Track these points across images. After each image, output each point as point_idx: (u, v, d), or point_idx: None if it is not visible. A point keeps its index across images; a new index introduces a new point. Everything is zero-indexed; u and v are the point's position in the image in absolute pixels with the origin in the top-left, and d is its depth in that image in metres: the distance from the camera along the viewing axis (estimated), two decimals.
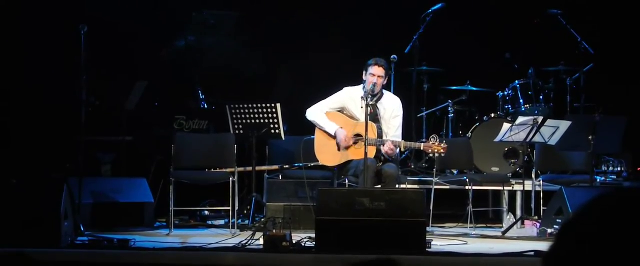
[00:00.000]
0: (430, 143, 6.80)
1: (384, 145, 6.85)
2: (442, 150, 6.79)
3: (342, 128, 7.10)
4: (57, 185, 6.15)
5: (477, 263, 5.82)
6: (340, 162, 7.14)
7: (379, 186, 6.84)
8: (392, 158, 7.05)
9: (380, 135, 6.99)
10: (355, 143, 7.06)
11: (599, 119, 7.34)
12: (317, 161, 7.40)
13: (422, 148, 6.95)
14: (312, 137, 7.28)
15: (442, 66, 9.11)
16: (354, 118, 7.14)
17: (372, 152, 6.83)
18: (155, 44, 8.85)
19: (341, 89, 7.26)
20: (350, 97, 7.19)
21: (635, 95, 8.86)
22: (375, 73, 7.03)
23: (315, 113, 7.22)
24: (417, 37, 8.54)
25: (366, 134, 6.54)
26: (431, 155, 7.08)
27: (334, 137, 7.13)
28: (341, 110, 7.24)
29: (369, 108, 6.75)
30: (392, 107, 7.17)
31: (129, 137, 8.10)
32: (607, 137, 7.35)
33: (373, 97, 6.93)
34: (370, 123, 6.68)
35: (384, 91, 7.20)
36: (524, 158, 7.85)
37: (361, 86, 7.16)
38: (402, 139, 7.09)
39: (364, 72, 7.11)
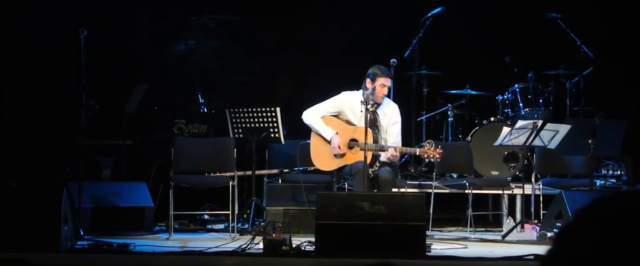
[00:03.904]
0: (426, 148, 6.82)
1: (385, 152, 6.85)
2: (437, 155, 6.81)
3: (337, 134, 7.09)
4: (56, 188, 6.14)
5: None
6: (336, 166, 7.14)
7: (375, 191, 6.83)
8: (393, 164, 7.06)
9: (375, 140, 6.98)
10: (350, 148, 7.06)
11: (598, 123, 7.34)
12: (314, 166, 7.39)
13: (417, 153, 6.97)
14: (308, 141, 7.27)
15: (441, 70, 9.10)
16: (350, 124, 7.14)
17: (367, 158, 6.84)
18: (155, 47, 8.84)
19: (339, 93, 7.25)
20: (349, 102, 7.17)
21: (635, 99, 8.85)
22: (386, 84, 7.04)
23: (312, 116, 7.19)
24: (417, 40, 8.53)
25: (366, 139, 6.54)
26: (427, 160, 7.08)
27: (329, 142, 7.12)
28: (337, 115, 7.22)
29: (369, 114, 6.75)
30: (390, 113, 7.18)
31: (129, 141, 8.10)
32: (606, 140, 7.35)
33: (374, 104, 6.95)
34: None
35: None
36: (523, 161, 7.84)
37: (360, 91, 7.15)
38: (401, 144, 7.09)
39: (369, 80, 7.06)
